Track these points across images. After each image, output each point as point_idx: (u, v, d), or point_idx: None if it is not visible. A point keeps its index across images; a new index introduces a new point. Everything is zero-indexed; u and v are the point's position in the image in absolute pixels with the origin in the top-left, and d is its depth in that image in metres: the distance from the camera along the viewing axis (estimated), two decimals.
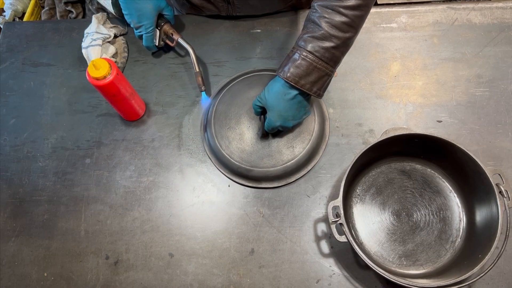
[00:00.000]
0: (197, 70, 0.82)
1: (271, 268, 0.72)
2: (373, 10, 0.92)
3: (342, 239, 0.64)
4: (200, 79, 0.82)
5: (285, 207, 0.76)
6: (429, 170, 0.76)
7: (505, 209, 0.64)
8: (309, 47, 0.63)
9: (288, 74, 0.65)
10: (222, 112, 0.81)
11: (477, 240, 0.67)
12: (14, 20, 1.72)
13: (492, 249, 0.60)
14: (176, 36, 0.85)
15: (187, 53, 0.84)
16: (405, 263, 0.70)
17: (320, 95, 0.68)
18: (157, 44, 0.86)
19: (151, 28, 0.82)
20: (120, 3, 0.79)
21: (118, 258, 0.75)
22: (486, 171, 0.65)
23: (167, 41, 0.87)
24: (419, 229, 0.72)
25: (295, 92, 0.67)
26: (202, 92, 0.83)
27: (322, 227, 0.74)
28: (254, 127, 0.79)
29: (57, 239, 0.77)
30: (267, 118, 0.72)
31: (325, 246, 0.73)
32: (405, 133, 0.70)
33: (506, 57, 0.85)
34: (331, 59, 0.65)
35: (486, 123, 0.80)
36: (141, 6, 0.78)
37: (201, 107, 0.85)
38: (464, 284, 0.60)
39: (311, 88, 0.66)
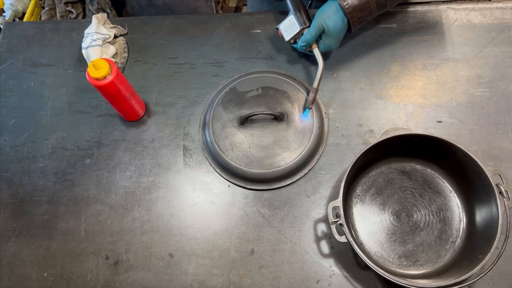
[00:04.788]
0: (316, 87, 0.78)
1: (271, 268, 0.72)
2: None
3: (342, 239, 0.64)
4: (314, 96, 0.78)
5: (285, 208, 0.76)
6: (429, 170, 0.76)
7: (505, 209, 0.64)
8: None
9: (348, 6, 0.73)
10: (221, 113, 0.81)
11: (477, 241, 0.67)
12: (14, 20, 1.72)
13: (492, 250, 0.60)
14: (313, 45, 0.80)
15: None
16: (405, 263, 0.70)
17: (351, 30, 0.78)
18: (286, 40, 0.82)
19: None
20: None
21: (118, 258, 0.75)
22: (486, 172, 0.65)
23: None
24: (419, 229, 0.72)
25: (346, 20, 0.75)
26: (307, 110, 0.79)
27: (322, 227, 0.74)
28: (253, 129, 0.79)
29: (57, 240, 0.77)
30: (325, 45, 0.79)
31: (325, 247, 0.73)
32: (405, 133, 0.70)
33: (506, 57, 0.85)
34: (382, 4, 0.75)
35: (486, 123, 0.80)
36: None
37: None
38: (464, 285, 0.60)
39: (354, 23, 0.76)
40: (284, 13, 0.83)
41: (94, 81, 0.70)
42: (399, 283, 0.61)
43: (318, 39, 0.80)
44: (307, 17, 0.79)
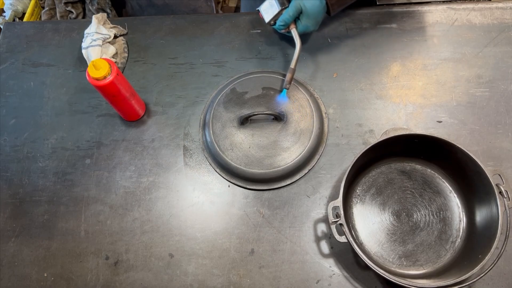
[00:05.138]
0: (293, 67, 0.78)
1: (271, 268, 0.72)
2: (373, 10, 0.93)
3: (342, 239, 0.64)
4: (291, 76, 0.78)
5: (285, 208, 0.76)
6: (429, 170, 0.76)
7: (505, 209, 0.64)
8: None
9: None
10: (221, 113, 0.81)
11: (477, 241, 0.67)
12: (14, 20, 1.72)
13: (492, 250, 0.60)
14: (292, 26, 0.81)
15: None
16: (405, 263, 0.70)
17: (331, 13, 0.79)
18: (266, 21, 0.82)
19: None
20: None
21: (118, 258, 0.75)
22: (486, 172, 0.65)
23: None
24: (419, 229, 0.72)
25: (324, 1, 0.76)
26: (284, 90, 0.80)
27: (322, 227, 0.74)
28: (253, 129, 0.79)
29: (57, 240, 0.77)
30: (303, 25, 0.79)
31: (325, 247, 0.73)
32: (405, 133, 0.70)
33: (506, 57, 0.85)
34: None
35: (486, 123, 0.80)
36: None
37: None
38: (464, 285, 0.60)
39: (333, 6, 0.77)
40: None
41: (94, 81, 0.70)
42: (399, 283, 0.61)
43: (296, 20, 0.80)
44: None
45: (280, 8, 0.79)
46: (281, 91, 0.81)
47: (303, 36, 0.83)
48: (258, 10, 0.83)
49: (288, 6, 0.79)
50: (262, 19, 0.83)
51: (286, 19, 0.79)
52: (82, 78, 0.91)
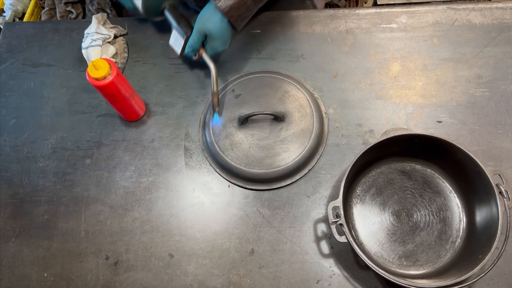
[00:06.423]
0: (215, 90, 0.78)
1: (271, 268, 0.72)
2: (373, 10, 0.93)
3: (342, 239, 0.64)
4: (216, 99, 0.78)
5: (285, 208, 0.76)
6: (429, 170, 0.76)
7: (505, 209, 0.64)
8: None
9: (224, 6, 0.73)
10: (221, 113, 0.81)
11: (477, 241, 0.67)
12: (14, 20, 1.72)
13: (492, 250, 0.60)
14: (201, 51, 0.80)
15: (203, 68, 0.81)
16: (405, 263, 0.70)
17: (237, 28, 0.78)
18: (178, 53, 0.83)
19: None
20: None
21: (118, 258, 0.75)
22: (486, 172, 0.65)
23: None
24: (419, 229, 0.72)
25: (226, 20, 0.75)
26: (215, 113, 0.80)
27: (322, 227, 0.74)
28: (253, 129, 0.79)
29: (57, 240, 0.77)
30: (211, 48, 0.79)
31: (325, 247, 0.73)
32: (405, 133, 0.70)
33: (506, 57, 0.85)
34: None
35: (486, 123, 0.80)
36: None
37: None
38: (464, 285, 0.60)
39: (236, 22, 0.76)
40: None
41: (94, 81, 0.70)
42: (399, 283, 0.61)
43: (205, 43, 0.80)
44: (187, 26, 0.80)
45: (184, 37, 0.80)
46: (212, 114, 0.81)
47: (216, 57, 0.83)
48: (168, 45, 0.84)
49: (191, 33, 0.79)
50: (174, 53, 0.83)
51: (192, 45, 0.78)
52: (82, 78, 0.91)
